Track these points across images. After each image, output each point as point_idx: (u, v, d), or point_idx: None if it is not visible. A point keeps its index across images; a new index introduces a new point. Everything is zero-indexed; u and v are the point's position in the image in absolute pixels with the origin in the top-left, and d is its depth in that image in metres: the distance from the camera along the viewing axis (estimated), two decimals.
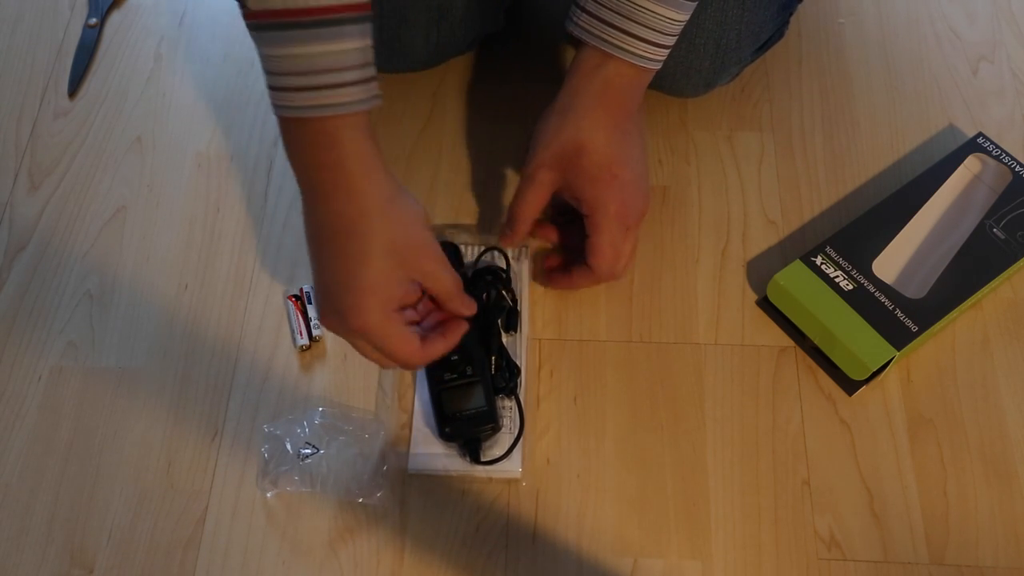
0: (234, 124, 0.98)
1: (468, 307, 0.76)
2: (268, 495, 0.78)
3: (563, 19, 0.78)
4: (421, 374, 0.82)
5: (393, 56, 0.93)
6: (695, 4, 0.75)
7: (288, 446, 0.78)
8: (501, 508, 0.77)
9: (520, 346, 0.83)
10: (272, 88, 0.66)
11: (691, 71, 0.90)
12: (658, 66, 0.78)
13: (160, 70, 1.01)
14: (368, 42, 0.66)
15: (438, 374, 0.79)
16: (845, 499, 0.77)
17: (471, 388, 0.79)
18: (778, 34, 0.95)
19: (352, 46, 0.65)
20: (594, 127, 0.78)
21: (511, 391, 0.80)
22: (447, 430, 0.78)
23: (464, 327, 0.76)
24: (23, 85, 1.01)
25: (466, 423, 0.78)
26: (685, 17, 0.75)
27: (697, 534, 0.76)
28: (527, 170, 0.81)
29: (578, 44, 0.78)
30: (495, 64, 1.00)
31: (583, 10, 0.76)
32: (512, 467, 0.78)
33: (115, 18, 1.05)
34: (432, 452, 0.79)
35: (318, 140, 0.67)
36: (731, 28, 0.87)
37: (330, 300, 0.70)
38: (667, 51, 0.77)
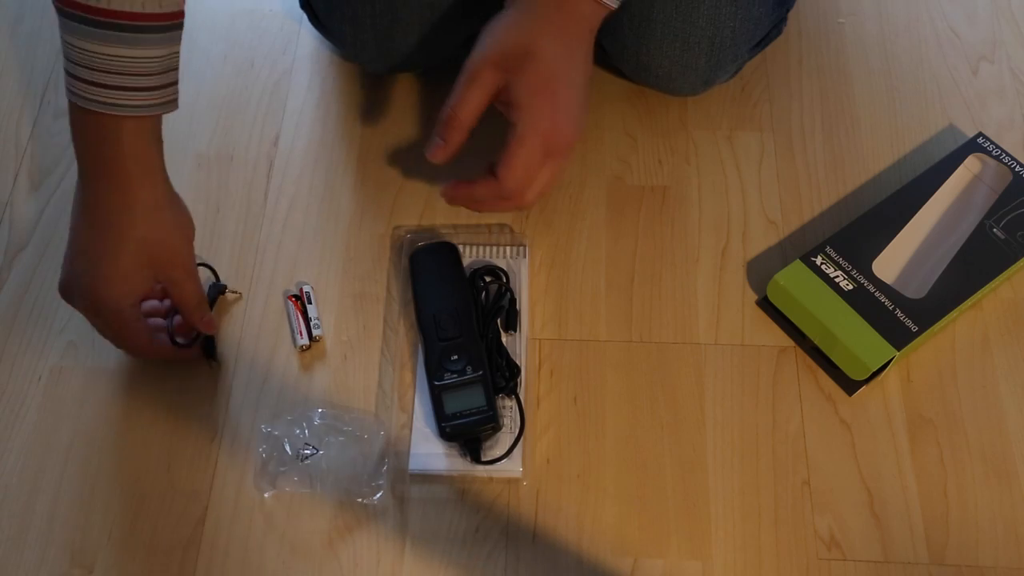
0: (234, 124, 0.98)
1: (206, 325, 0.80)
2: (266, 495, 0.78)
3: None
4: (421, 374, 0.82)
5: (386, 55, 0.93)
6: None
7: (287, 446, 0.78)
8: (501, 508, 0.77)
9: (520, 346, 0.83)
10: (67, 73, 0.69)
11: (687, 69, 0.89)
12: (615, 4, 0.78)
13: None
14: (173, 49, 0.70)
15: (438, 373, 0.79)
16: (845, 499, 0.77)
17: (471, 387, 0.79)
18: (776, 31, 0.95)
19: (153, 54, 0.68)
20: (548, 36, 0.76)
21: (511, 391, 0.80)
22: (447, 430, 0.78)
23: (199, 337, 0.82)
24: (23, 85, 1.01)
25: (466, 423, 0.78)
26: None
27: (697, 534, 0.76)
28: (470, 66, 0.78)
29: None
30: None
31: None
32: (513, 467, 0.78)
33: None
34: (432, 452, 0.78)
35: (101, 134, 0.70)
36: (726, 25, 0.87)
37: (76, 276, 0.75)
38: None
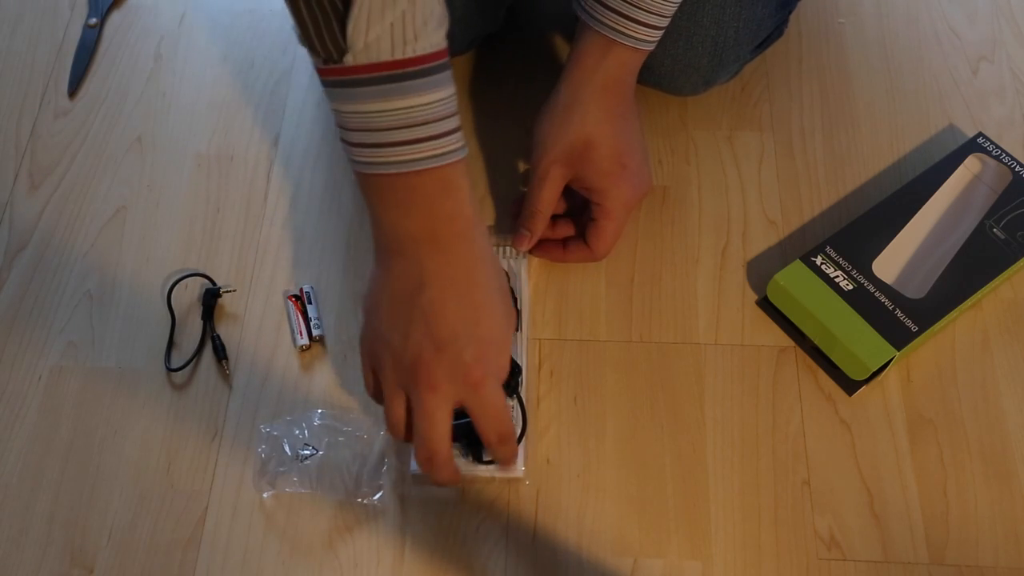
0: (234, 124, 0.98)
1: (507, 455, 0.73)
2: (264, 495, 0.78)
3: (563, 18, 0.79)
4: None
5: None
6: None
7: (286, 447, 0.78)
8: (501, 508, 0.77)
9: (521, 346, 0.83)
10: (379, 145, 0.63)
11: (689, 69, 0.90)
12: (652, 47, 0.80)
13: (160, 70, 1.01)
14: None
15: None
16: (845, 499, 0.77)
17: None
18: (777, 32, 0.95)
19: (451, 91, 0.64)
20: (600, 121, 0.80)
21: (513, 390, 0.80)
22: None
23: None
24: (23, 85, 1.01)
25: (468, 423, 0.77)
26: None
27: (697, 534, 0.76)
28: (538, 168, 0.82)
29: (580, 31, 0.80)
30: (495, 64, 1.00)
31: None
32: (515, 467, 0.78)
33: (115, 18, 1.05)
34: None
35: (439, 189, 0.64)
36: (729, 26, 0.87)
37: (446, 354, 0.65)
38: (661, 32, 0.79)
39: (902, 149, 0.95)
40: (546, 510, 0.77)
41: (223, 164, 0.95)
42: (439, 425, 0.67)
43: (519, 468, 0.78)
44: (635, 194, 0.84)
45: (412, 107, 0.61)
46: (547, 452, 0.79)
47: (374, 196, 0.66)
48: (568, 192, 0.85)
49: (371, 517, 0.77)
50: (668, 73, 0.90)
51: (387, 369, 0.68)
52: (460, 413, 0.76)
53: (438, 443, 0.68)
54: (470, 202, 0.66)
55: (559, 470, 0.79)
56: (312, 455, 0.78)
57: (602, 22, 0.78)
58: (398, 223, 0.66)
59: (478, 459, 0.77)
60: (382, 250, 0.68)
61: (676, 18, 0.86)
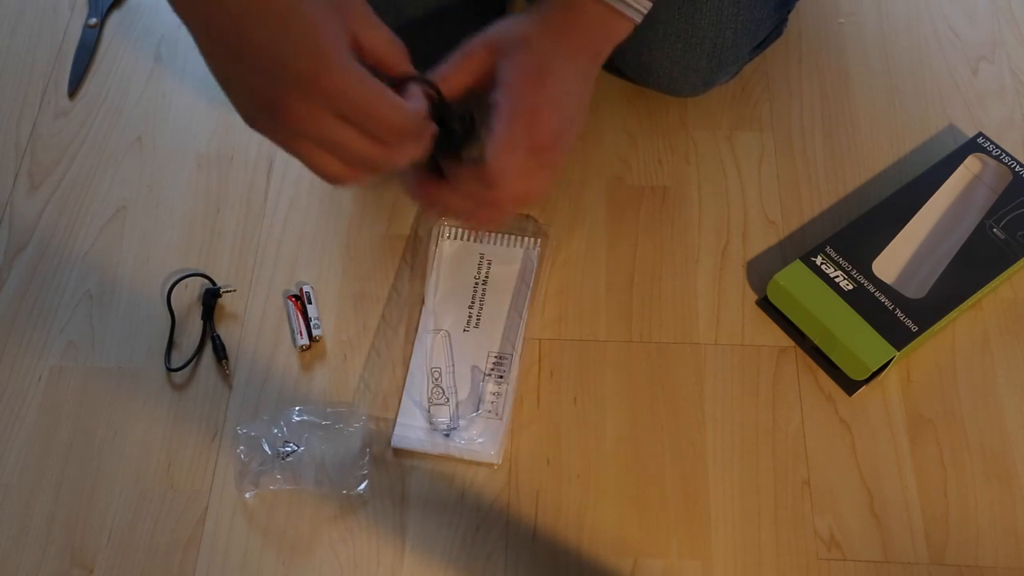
0: (234, 124, 0.97)
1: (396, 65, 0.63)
2: (247, 495, 0.78)
3: None
4: (419, 349, 0.82)
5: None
6: None
7: (266, 446, 0.78)
8: (501, 508, 0.77)
9: (518, 341, 0.83)
10: None
11: (689, 71, 0.89)
12: (635, 17, 0.74)
13: (160, 70, 1.01)
14: None
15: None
16: (845, 499, 0.77)
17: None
18: (776, 32, 0.95)
19: None
20: (547, 35, 0.73)
21: (458, 142, 0.69)
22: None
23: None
24: (23, 85, 1.01)
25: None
26: None
27: (697, 534, 0.76)
28: (465, 45, 0.73)
29: None
30: None
31: None
32: (487, 450, 0.78)
33: (115, 18, 1.05)
34: (416, 425, 0.79)
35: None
36: (727, 27, 0.87)
37: (272, 82, 0.57)
38: (645, 6, 0.73)
39: (902, 149, 0.95)
40: (546, 510, 0.77)
41: (223, 164, 0.95)
42: (347, 142, 0.59)
43: (490, 451, 0.78)
44: (540, 116, 0.71)
45: None
46: (547, 452, 0.79)
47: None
48: None
49: (371, 517, 0.77)
50: (667, 75, 0.90)
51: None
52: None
53: (385, 116, 0.59)
54: None
55: (559, 470, 0.79)
56: (294, 451, 0.78)
57: None
58: None
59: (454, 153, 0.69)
60: None
61: (674, 21, 0.86)
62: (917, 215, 0.87)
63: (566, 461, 0.79)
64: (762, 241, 0.90)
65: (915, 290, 0.83)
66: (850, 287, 0.82)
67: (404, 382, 0.82)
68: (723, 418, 0.81)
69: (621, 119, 0.97)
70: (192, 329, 0.85)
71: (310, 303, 0.86)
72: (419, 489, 0.78)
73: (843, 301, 0.81)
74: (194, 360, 0.83)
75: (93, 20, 1.04)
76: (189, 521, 0.77)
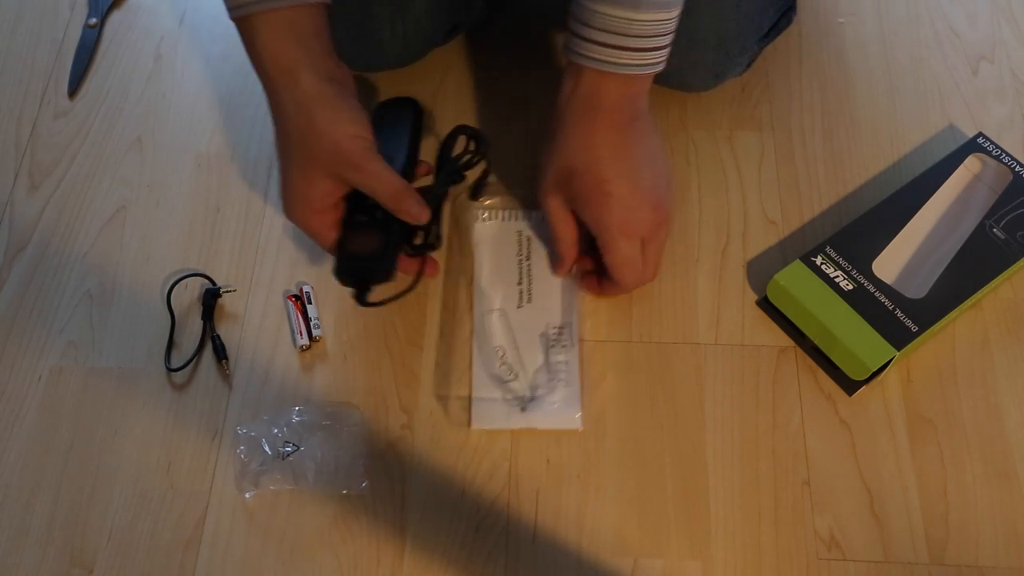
0: (234, 124, 0.98)
1: (419, 213, 0.76)
2: (247, 495, 0.78)
3: (551, 9, 0.78)
4: (480, 329, 0.83)
5: (362, 51, 0.92)
6: (659, 6, 0.71)
7: (266, 446, 0.78)
8: (501, 508, 0.77)
9: (572, 351, 0.83)
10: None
11: (696, 65, 0.90)
12: (652, 69, 0.75)
13: (160, 70, 1.01)
14: None
15: (353, 213, 0.78)
16: (845, 499, 0.77)
17: (374, 234, 0.78)
18: (785, 19, 0.95)
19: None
20: (581, 147, 0.76)
21: (419, 250, 0.80)
22: (340, 269, 0.78)
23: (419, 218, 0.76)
24: (23, 85, 1.01)
25: (359, 265, 0.77)
26: (640, 16, 0.71)
27: (697, 534, 0.76)
28: (542, 201, 0.81)
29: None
30: (493, 61, 1.00)
31: (570, 32, 0.74)
32: (570, 414, 0.80)
33: (115, 18, 1.05)
34: (493, 403, 0.80)
35: (245, 40, 0.71)
36: (728, 19, 0.87)
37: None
38: (654, 54, 0.74)
39: (902, 149, 0.95)
40: (546, 510, 0.77)
41: (223, 164, 0.95)
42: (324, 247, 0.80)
43: (574, 415, 0.80)
44: (628, 222, 0.77)
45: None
46: (547, 452, 0.79)
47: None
48: None
49: (371, 517, 0.77)
50: (675, 70, 0.90)
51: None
52: (353, 255, 0.78)
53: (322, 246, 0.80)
54: (273, 59, 0.73)
55: (559, 470, 0.79)
56: (294, 451, 0.78)
57: (568, 47, 0.75)
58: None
59: (363, 302, 0.78)
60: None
61: None
62: (917, 215, 0.87)
63: (566, 461, 0.79)
64: (762, 241, 0.90)
65: (915, 290, 0.83)
66: (850, 287, 0.82)
67: (471, 362, 0.82)
68: (723, 418, 0.81)
69: None
70: (192, 329, 0.85)
71: (310, 303, 0.86)
72: (419, 489, 0.78)
73: (843, 301, 0.81)
74: (194, 360, 0.83)
75: (93, 20, 1.04)
76: (189, 521, 0.77)
